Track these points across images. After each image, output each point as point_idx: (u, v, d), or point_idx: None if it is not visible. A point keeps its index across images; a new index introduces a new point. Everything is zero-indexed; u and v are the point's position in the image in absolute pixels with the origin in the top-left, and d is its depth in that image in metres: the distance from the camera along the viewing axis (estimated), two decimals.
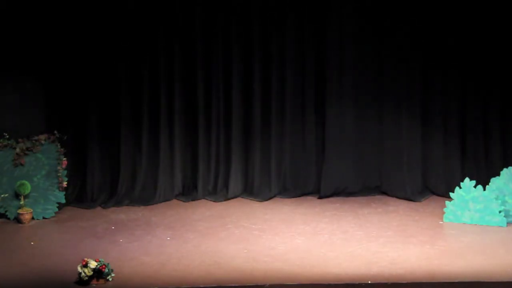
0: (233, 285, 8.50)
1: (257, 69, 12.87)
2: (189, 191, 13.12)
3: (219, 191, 13.03)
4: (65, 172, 12.03)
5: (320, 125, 13.04)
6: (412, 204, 12.28)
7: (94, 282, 8.50)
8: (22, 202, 11.62)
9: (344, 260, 9.33)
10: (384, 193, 12.92)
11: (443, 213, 11.21)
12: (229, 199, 12.87)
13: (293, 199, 12.84)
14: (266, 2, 12.77)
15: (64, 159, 12.00)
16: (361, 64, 12.86)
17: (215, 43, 12.81)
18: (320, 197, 12.83)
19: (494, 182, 11.17)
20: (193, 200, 12.85)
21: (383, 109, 12.94)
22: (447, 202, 11.26)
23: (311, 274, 8.82)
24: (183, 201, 12.82)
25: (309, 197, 12.93)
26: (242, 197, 12.98)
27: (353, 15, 12.74)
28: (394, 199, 12.59)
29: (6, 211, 11.71)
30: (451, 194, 11.28)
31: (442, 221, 11.16)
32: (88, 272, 8.43)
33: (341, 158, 12.95)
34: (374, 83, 12.92)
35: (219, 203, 12.70)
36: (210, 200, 12.83)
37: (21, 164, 11.77)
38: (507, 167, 11.27)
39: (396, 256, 9.49)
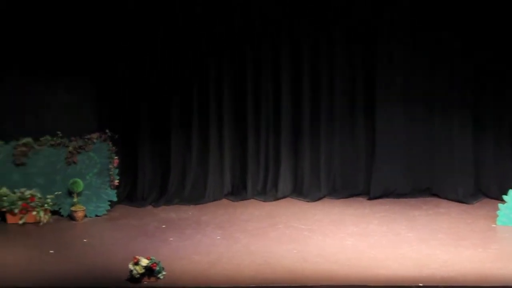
0: (283, 285, 8.50)
1: (306, 71, 12.84)
2: (238, 191, 13.16)
3: (269, 191, 13.04)
4: (117, 170, 12.18)
5: (370, 126, 12.94)
6: (464, 206, 12.10)
7: (145, 280, 8.57)
8: (75, 200, 11.82)
9: (394, 262, 9.24)
10: (435, 195, 12.75)
11: (496, 216, 11.01)
12: (278, 199, 12.88)
13: (342, 200, 12.78)
14: (315, 6, 12.74)
15: (116, 157, 12.16)
16: (412, 66, 12.73)
17: (265, 43, 12.82)
18: (370, 198, 12.74)
19: None
20: (242, 200, 12.89)
21: (433, 110, 12.77)
22: (500, 205, 11.05)
23: (361, 275, 8.76)
24: (233, 201, 12.88)
25: (358, 198, 12.84)
26: (291, 198, 12.97)
27: (404, 20, 12.62)
28: (446, 201, 12.42)
29: (60, 209, 11.92)
30: (504, 196, 11.08)
31: (495, 224, 10.97)
32: (139, 270, 8.51)
33: (391, 159, 12.83)
34: (424, 84, 12.77)
35: (269, 203, 12.71)
36: (260, 200, 12.85)
37: (74, 163, 11.95)
38: None
39: (448, 258, 9.36)
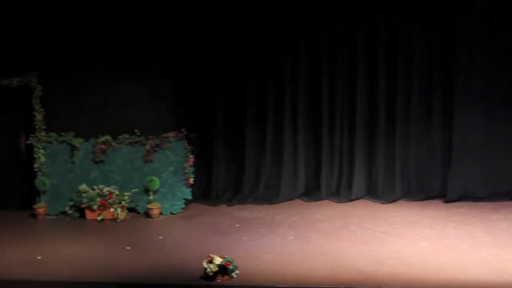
0: (357, 287, 8.41)
1: (382, 72, 12.71)
2: (312, 191, 13.13)
3: (342, 192, 12.97)
4: (192, 169, 12.34)
5: (447, 128, 12.70)
6: None
7: (219, 278, 8.62)
8: (151, 197, 12.02)
9: (472, 267, 8.99)
10: None
11: None
12: (352, 200, 12.79)
13: (417, 202, 12.59)
14: (393, 9, 12.58)
15: (191, 156, 12.31)
16: (491, 67, 12.43)
17: (341, 44, 12.75)
18: (446, 201, 12.50)
19: None
20: (316, 200, 12.87)
21: None
22: None
23: (437, 280, 8.57)
24: (306, 201, 12.86)
25: (434, 201, 12.63)
26: (365, 199, 12.88)
27: (483, 19, 12.35)
28: None
29: (136, 206, 12.16)
30: None
31: None
32: (213, 268, 8.57)
33: (468, 162, 12.56)
34: (505, 85, 12.45)
35: (342, 204, 12.65)
36: (333, 201, 12.79)
37: (151, 161, 12.16)
38: None
39: None
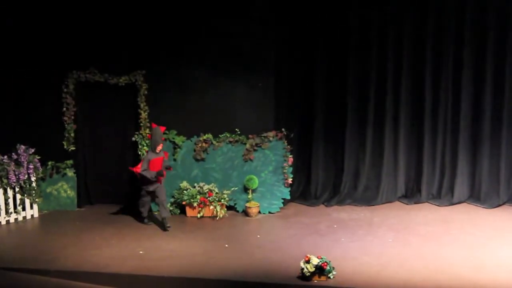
0: None
1: (489, 73, 12.30)
2: (412, 194, 12.92)
3: (444, 196, 12.68)
4: (291, 169, 12.36)
5: None
6: None
7: (316, 278, 8.63)
8: (250, 196, 12.14)
9: None
10: None
11: None
12: (453, 204, 12.50)
13: None
14: (502, 2, 12.19)
15: (290, 156, 12.34)
16: None
17: (445, 45, 12.46)
18: None
19: None
20: (416, 203, 12.64)
21: None
22: None
23: None
24: (406, 204, 12.66)
25: None
26: (467, 203, 12.55)
27: None
28: None
29: (235, 204, 12.31)
30: None
31: None
32: (310, 268, 8.58)
33: None
34: None
35: (443, 207, 12.38)
36: (434, 204, 12.54)
37: (250, 160, 12.27)
38: None
39: None
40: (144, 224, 11.53)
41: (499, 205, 12.29)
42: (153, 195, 11.40)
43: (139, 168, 11.09)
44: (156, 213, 12.00)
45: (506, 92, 12.28)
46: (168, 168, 11.57)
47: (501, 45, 12.22)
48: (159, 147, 11.30)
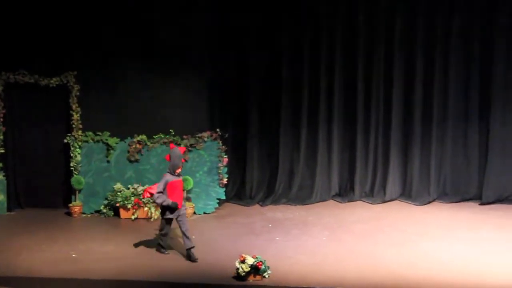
0: None
1: (419, 74, 12.60)
2: (345, 192, 13.09)
3: (376, 194, 12.89)
4: (226, 169, 12.37)
5: (484, 130, 12.58)
6: None
7: (251, 278, 8.63)
8: (185, 197, 12.04)
9: (505, 271, 8.86)
10: None
11: None
12: (386, 201, 12.71)
13: (452, 204, 12.50)
14: (431, 5, 12.45)
15: (225, 156, 12.34)
16: None
17: (376, 43, 12.67)
18: (482, 204, 12.36)
19: None
20: (349, 201, 12.82)
21: None
22: None
23: (469, 282, 8.47)
24: (340, 202, 12.82)
25: (469, 203, 12.52)
26: (399, 200, 12.80)
27: None
28: None
29: None
30: None
31: None
32: (245, 268, 8.58)
33: (505, 164, 12.43)
34: None
35: (376, 205, 12.58)
36: (367, 202, 12.73)
37: (185, 160, 12.20)
38: None
39: None
40: (161, 253, 9.92)
41: (429, 202, 12.57)
42: (171, 223, 9.87)
43: (153, 189, 9.74)
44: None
45: (436, 91, 12.58)
46: (188, 199, 10.28)
47: (430, 45, 12.51)
48: (178, 170, 9.64)
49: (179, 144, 12.14)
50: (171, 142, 12.25)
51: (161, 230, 9.89)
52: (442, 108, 12.66)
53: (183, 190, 10.01)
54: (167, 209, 9.61)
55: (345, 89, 12.88)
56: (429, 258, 9.44)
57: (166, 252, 9.88)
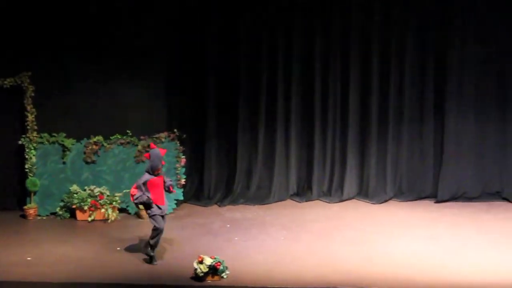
0: (347, 287, 8.41)
1: (375, 73, 12.71)
2: (303, 192, 13.14)
3: (334, 193, 12.98)
4: (184, 169, 12.32)
5: (439, 129, 12.74)
6: None
7: (209, 278, 8.62)
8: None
9: (462, 267, 9.01)
10: (506, 199, 12.48)
11: None
12: (343, 200, 12.81)
13: (409, 202, 12.65)
14: (387, 7, 12.59)
15: (183, 157, 12.29)
16: (483, 66, 12.47)
17: (334, 44, 12.75)
18: (437, 202, 12.54)
19: None
20: (307, 200, 12.88)
21: (506, 112, 12.49)
22: None
23: (427, 280, 8.59)
24: (298, 202, 12.87)
25: (425, 201, 12.68)
26: (357, 199, 12.90)
27: (474, 21, 12.43)
28: None
29: (127, 206, 12.14)
30: None
31: None
32: (203, 268, 8.57)
33: (460, 163, 12.62)
34: (496, 85, 12.52)
35: (334, 204, 12.66)
36: (325, 201, 12.81)
37: (143, 161, 12.12)
38: None
39: None
40: (151, 264, 9.42)
41: (386, 201, 12.69)
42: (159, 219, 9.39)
43: (134, 191, 9.40)
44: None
45: (391, 90, 12.72)
46: (169, 189, 9.61)
47: (385, 46, 12.64)
48: (157, 171, 9.38)
49: (136, 145, 12.07)
50: (128, 143, 12.16)
51: (154, 230, 9.37)
52: (398, 108, 12.79)
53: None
54: (147, 207, 9.39)
55: (303, 90, 12.93)
56: (386, 256, 9.54)
57: (155, 263, 9.40)
